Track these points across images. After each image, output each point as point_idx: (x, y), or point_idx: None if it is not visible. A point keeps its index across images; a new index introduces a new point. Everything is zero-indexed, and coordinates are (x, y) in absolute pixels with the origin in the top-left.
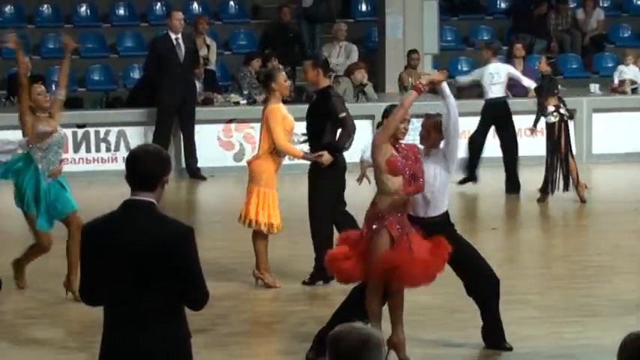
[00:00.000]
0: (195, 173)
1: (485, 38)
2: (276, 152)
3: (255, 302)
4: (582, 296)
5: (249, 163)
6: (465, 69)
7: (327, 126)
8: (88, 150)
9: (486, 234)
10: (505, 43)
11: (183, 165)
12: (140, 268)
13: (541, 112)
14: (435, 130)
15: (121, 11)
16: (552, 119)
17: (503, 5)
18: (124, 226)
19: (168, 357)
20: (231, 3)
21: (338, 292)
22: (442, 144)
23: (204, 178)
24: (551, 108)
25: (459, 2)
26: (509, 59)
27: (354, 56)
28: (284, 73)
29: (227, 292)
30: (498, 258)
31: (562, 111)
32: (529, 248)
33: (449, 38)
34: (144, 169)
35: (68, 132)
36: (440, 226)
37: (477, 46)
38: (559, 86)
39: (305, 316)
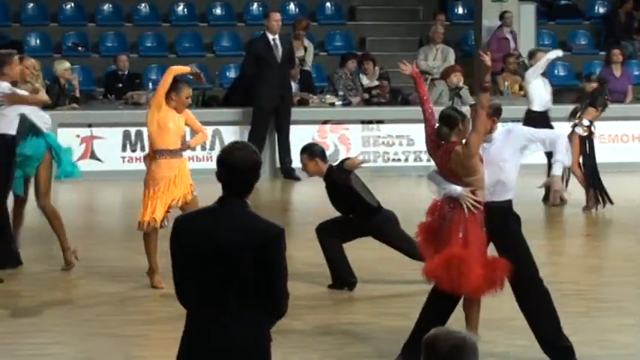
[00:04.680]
0: (289, 173)
1: (583, 43)
2: (158, 153)
3: (336, 307)
4: None
5: None
6: (561, 73)
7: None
8: None
9: (578, 240)
10: (602, 48)
11: (278, 165)
12: (228, 264)
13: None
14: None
15: (218, 11)
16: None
17: (601, 10)
18: (218, 221)
19: (247, 357)
20: (328, 4)
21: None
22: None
23: (298, 179)
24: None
25: (557, 6)
26: (607, 65)
27: (451, 59)
28: (189, 90)
29: (305, 293)
30: (586, 265)
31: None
32: (622, 255)
33: (546, 42)
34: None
35: None
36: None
37: (574, 51)
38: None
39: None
